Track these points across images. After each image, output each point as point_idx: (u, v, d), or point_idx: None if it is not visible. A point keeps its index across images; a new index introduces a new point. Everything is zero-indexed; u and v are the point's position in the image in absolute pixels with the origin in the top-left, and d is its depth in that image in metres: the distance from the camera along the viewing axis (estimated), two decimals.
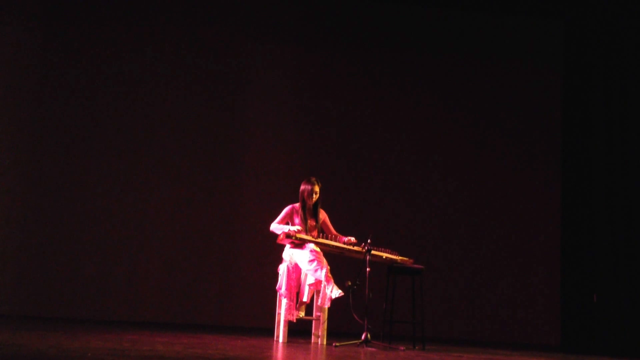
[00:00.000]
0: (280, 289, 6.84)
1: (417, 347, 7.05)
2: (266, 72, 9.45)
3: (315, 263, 6.67)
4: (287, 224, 6.97)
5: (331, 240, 6.94)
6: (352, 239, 6.98)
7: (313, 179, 7.03)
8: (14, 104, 9.07)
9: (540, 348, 8.85)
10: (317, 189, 7.00)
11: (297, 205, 7.05)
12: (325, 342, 6.80)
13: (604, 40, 9.40)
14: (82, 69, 9.19)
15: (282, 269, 6.90)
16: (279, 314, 6.88)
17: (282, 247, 7.04)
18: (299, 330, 7.30)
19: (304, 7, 9.57)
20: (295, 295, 6.85)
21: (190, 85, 9.32)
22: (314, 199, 7.01)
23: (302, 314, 6.89)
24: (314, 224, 7.02)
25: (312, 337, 6.91)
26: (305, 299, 6.81)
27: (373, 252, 6.82)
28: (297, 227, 6.84)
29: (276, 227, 6.96)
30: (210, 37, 9.40)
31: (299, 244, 6.84)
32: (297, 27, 9.54)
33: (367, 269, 6.68)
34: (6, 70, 9.10)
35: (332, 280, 6.64)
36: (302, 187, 7.04)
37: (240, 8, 9.47)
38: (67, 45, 9.19)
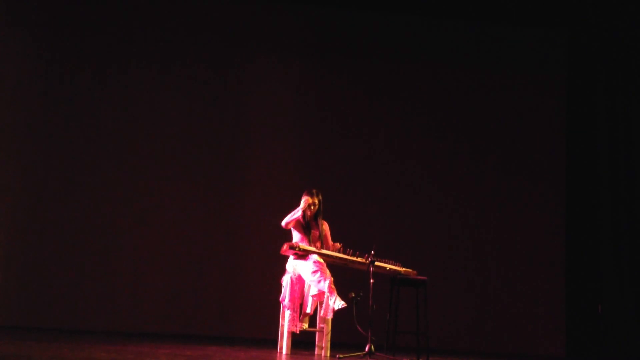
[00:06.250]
0: (284, 300, 6.82)
1: (421, 359, 7.02)
2: (269, 84, 9.43)
3: (318, 274, 6.65)
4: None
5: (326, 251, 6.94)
6: (337, 244, 6.98)
7: (313, 191, 7.02)
8: (18, 114, 9.07)
9: (545, 358, 8.82)
10: (316, 200, 7.00)
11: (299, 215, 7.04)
12: (328, 354, 6.78)
13: (608, 48, 9.41)
14: (87, 75, 9.17)
15: (286, 280, 6.89)
16: (283, 325, 6.86)
17: (286, 258, 7.03)
18: (303, 342, 7.28)
19: (306, 19, 9.56)
20: (298, 306, 6.84)
21: (193, 97, 9.30)
22: (313, 211, 7.00)
23: (305, 325, 6.87)
24: (317, 235, 7.01)
25: (316, 348, 6.90)
26: (308, 310, 6.80)
27: (376, 263, 6.81)
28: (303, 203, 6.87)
29: (288, 217, 6.94)
30: (214, 50, 9.39)
31: (303, 255, 6.83)
32: (299, 39, 9.53)
33: (371, 280, 6.66)
34: (11, 76, 9.10)
35: (335, 292, 6.62)
36: (303, 198, 7.04)
37: (243, 21, 9.46)
38: (73, 51, 9.18)
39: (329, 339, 6.82)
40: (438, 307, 8.78)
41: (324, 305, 6.64)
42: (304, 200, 6.92)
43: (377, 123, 9.50)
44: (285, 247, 6.84)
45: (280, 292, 6.93)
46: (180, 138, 9.23)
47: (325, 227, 7.13)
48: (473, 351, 8.86)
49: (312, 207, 6.99)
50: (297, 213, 6.90)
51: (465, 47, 9.64)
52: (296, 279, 6.85)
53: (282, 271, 7.02)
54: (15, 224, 8.94)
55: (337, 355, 6.62)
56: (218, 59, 9.41)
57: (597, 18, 9.31)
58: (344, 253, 6.95)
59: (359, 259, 6.91)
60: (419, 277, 7.11)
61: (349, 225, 8.47)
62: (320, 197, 7.04)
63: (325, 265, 6.78)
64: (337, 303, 6.56)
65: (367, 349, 6.58)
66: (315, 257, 6.77)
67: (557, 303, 9.25)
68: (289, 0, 9.58)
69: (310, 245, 6.91)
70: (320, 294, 6.64)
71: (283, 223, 6.95)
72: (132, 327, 8.72)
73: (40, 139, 9.08)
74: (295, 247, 6.80)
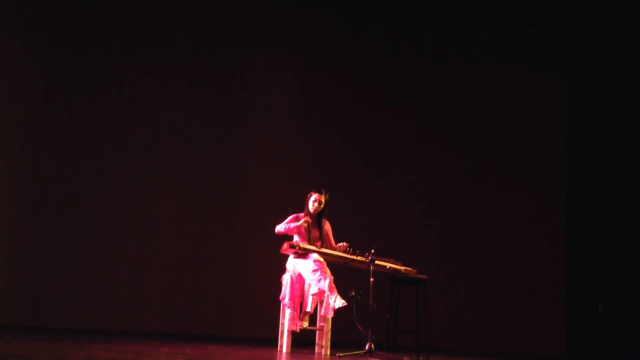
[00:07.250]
0: (284, 299, 6.82)
1: (421, 358, 7.02)
2: (269, 84, 9.44)
3: (318, 273, 6.65)
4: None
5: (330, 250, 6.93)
6: (344, 244, 6.97)
7: (321, 189, 7.03)
8: (18, 115, 9.07)
9: (545, 358, 8.82)
10: (322, 199, 7.00)
11: (301, 214, 7.04)
12: (329, 353, 6.78)
13: (608, 49, 9.43)
14: (88, 78, 9.19)
15: (286, 279, 6.89)
16: (283, 324, 6.86)
17: (286, 257, 7.03)
18: (303, 341, 7.28)
19: (306, 19, 9.57)
20: (299, 305, 6.84)
21: (193, 98, 9.31)
22: (318, 209, 7.00)
23: (305, 324, 6.87)
24: (318, 234, 7.01)
25: (316, 347, 6.90)
26: (308, 309, 6.80)
27: (377, 262, 6.81)
28: (303, 220, 6.82)
29: (282, 225, 6.93)
30: (214, 51, 9.40)
31: (303, 253, 6.83)
32: (299, 39, 9.54)
33: (371, 279, 6.66)
34: (11, 77, 9.10)
35: (336, 290, 6.62)
36: (308, 195, 7.04)
37: (243, 20, 9.48)
38: (74, 51, 9.19)
39: (329, 337, 6.82)
40: (438, 307, 8.79)
41: (324, 304, 6.64)
42: (304, 220, 6.91)
43: (378, 123, 9.50)
44: (285, 245, 6.84)
45: (280, 290, 6.93)
46: (180, 138, 9.23)
47: (328, 226, 7.13)
48: (473, 351, 8.85)
49: (316, 205, 6.98)
50: (297, 223, 6.89)
51: (465, 48, 9.65)
52: (296, 277, 6.85)
53: (282, 270, 7.02)
54: (15, 224, 8.94)
55: (338, 354, 6.61)
56: (218, 60, 9.41)
57: (597, 18, 9.32)
58: (345, 252, 6.96)
59: (359, 258, 6.91)
60: (419, 276, 7.11)
61: (349, 225, 8.47)
62: (327, 197, 7.04)
63: (325, 264, 6.78)
64: (338, 302, 6.56)
65: (367, 347, 6.58)
66: (315, 255, 6.77)
67: (557, 303, 9.26)
68: (289, 0, 9.59)
69: (310, 244, 6.91)
70: (321, 292, 6.64)
71: (282, 229, 6.94)
72: (132, 327, 8.72)
73: (41, 139, 9.08)
74: (296, 246, 6.80)
